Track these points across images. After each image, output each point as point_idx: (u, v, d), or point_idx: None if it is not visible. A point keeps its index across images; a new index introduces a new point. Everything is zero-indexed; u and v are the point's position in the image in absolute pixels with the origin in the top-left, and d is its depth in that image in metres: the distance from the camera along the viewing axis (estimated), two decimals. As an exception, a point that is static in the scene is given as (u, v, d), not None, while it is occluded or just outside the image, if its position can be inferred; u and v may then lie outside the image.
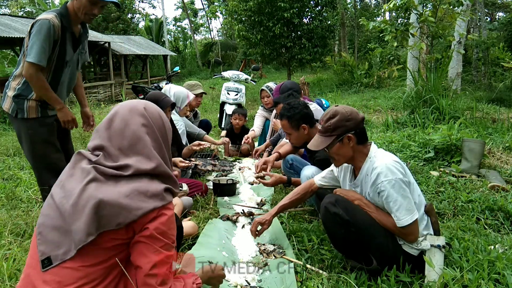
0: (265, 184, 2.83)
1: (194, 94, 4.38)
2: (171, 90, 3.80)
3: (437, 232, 1.85)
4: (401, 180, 1.73)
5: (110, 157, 1.27)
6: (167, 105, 3.09)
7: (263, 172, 2.84)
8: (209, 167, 3.27)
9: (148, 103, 1.40)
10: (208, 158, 4.14)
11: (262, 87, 4.73)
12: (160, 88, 6.07)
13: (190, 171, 3.55)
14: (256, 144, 4.94)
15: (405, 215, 1.71)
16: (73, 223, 1.16)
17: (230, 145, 4.87)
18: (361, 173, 1.90)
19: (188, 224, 2.38)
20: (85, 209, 1.15)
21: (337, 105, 1.94)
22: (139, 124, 1.30)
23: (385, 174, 1.74)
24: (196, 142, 3.50)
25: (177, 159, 3.11)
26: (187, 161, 3.19)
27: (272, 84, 4.73)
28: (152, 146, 1.30)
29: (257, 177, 2.86)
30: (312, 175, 2.50)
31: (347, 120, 1.84)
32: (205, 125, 4.98)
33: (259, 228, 2.27)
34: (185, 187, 2.81)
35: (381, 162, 1.79)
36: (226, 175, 3.67)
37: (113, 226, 1.16)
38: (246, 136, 4.55)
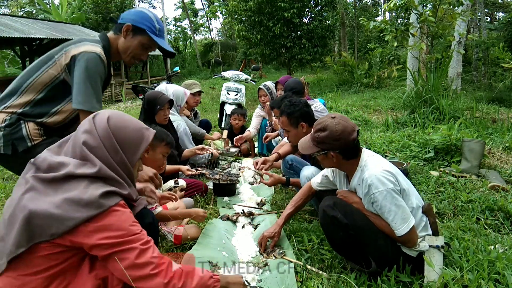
0: (264, 184, 2.86)
1: (191, 93, 4.40)
2: (168, 89, 3.79)
3: (435, 232, 1.85)
4: (393, 190, 1.72)
5: (51, 157, 1.30)
6: (164, 102, 3.11)
7: (263, 171, 2.84)
8: (217, 176, 3.30)
9: (102, 112, 1.42)
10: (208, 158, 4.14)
11: (260, 86, 4.73)
12: None
13: None
14: (255, 144, 4.94)
15: (401, 224, 1.71)
16: (9, 234, 1.18)
17: (229, 144, 4.87)
18: (353, 181, 1.90)
19: (191, 228, 2.38)
20: (17, 220, 1.16)
21: (334, 117, 1.86)
22: (82, 131, 1.33)
23: (376, 185, 1.73)
24: (200, 146, 3.49)
25: (184, 167, 3.11)
26: (194, 170, 3.20)
27: (270, 84, 4.72)
28: (93, 152, 1.30)
29: (257, 174, 2.86)
30: (312, 175, 2.50)
31: (335, 139, 1.80)
32: (205, 125, 4.97)
33: (268, 242, 2.27)
34: (181, 182, 2.80)
35: (371, 172, 1.76)
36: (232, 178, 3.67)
37: (47, 237, 1.16)
38: (238, 137, 4.54)
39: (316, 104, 3.53)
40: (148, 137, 1.44)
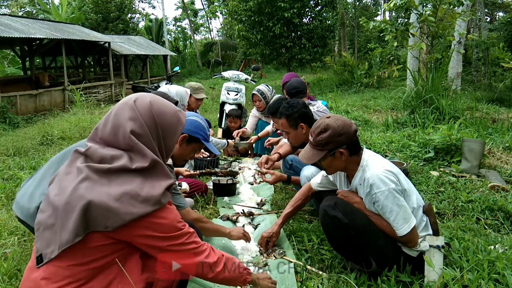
0: (266, 181, 2.86)
1: (197, 98, 4.43)
2: (171, 90, 3.77)
3: (436, 232, 1.85)
4: (394, 190, 1.72)
5: (104, 144, 1.29)
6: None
7: (264, 169, 2.85)
8: (215, 176, 3.32)
9: (141, 96, 1.37)
10: (208, 158, 4.14)
11: (253, 92, 4.69)
12: (158, 87, 6.07)
13: None
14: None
15: (403, 224, 1.71)
16: (64, 223, 1.17)
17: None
18: (354, 180, 1.90)
19: None
20: (75, 209, 1.16)
21: (329, 117, 1.89)
22: (126, 118, 1.29)
23: (377, 185, 1.73)
24: None
25: (182, 169, 3.11)
26: (192, 171, 3.21)
27: (263, 87, 4.68)
28: (141, 141, 1.28)
29: (258, 172, 2.87)
30: (312, 176, 2.50)
31: (339, 135, 1.80)
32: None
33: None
34: (184, 185, 2.81)
35: (373, 172, 1.77)
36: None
37: (101, 228, 1.17)
38: (237, 131, 4.56)
39: (318, 105, 3.53)
40: (183, 119, 1.43)
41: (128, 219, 1.17)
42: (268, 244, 2.25)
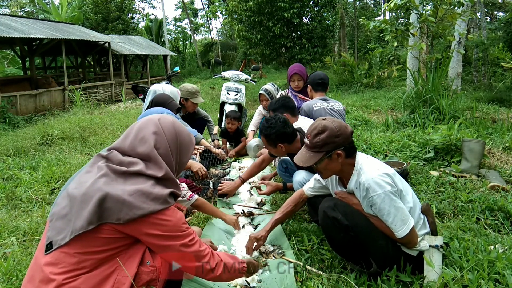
0: (262, 194, 2.93)
1: (194, 102, 4.44)
2: (165, 89, 3.69)
3: (434, 232, 1.85)
4: (390, 192, 1.72)
5: (122, 154, 1.41)
6: (173, 108, 3.05)
7: (258, 183, 2.93)
8: (208, 193, 3.27)
9: (164, 115, 1.54)
10: (211, 155, 4.16)
11: (260, 91, 4.71)
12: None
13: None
14: (256, 138, 4.95)
15: (401, 226, 1.71)
16: (79, 211, 1.26)
17: (227, 145, 4.89)
18: (349, 184, 1.89)
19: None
20: (92, 199, 1.25)
21: (325, 119, 1.88)
22: (150, 132, 1.44)
23: (373, 189, 1.73)
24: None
25: (196, 166, 3.02)
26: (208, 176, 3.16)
27: (269, 86, 4.70)
28: (160, 153, 1.41)
29: (254, 187, 3.03)
30: (304, 181, 2.50)
31: (336, 136, 1.79)
32: (204, 125, 4.97)
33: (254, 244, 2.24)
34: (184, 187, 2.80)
35: (368, 176, 1.76)
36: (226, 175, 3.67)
37: (113, 220, 1.26)
38: (235, 151, 4.70)
39: (334, 103, 3.39)
40: (194, 140, 1.62)
41: (139, 213, 1.26)
42: (254, 247, 2.21)
